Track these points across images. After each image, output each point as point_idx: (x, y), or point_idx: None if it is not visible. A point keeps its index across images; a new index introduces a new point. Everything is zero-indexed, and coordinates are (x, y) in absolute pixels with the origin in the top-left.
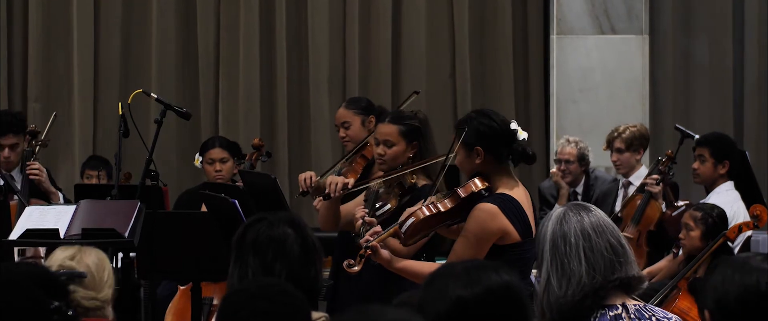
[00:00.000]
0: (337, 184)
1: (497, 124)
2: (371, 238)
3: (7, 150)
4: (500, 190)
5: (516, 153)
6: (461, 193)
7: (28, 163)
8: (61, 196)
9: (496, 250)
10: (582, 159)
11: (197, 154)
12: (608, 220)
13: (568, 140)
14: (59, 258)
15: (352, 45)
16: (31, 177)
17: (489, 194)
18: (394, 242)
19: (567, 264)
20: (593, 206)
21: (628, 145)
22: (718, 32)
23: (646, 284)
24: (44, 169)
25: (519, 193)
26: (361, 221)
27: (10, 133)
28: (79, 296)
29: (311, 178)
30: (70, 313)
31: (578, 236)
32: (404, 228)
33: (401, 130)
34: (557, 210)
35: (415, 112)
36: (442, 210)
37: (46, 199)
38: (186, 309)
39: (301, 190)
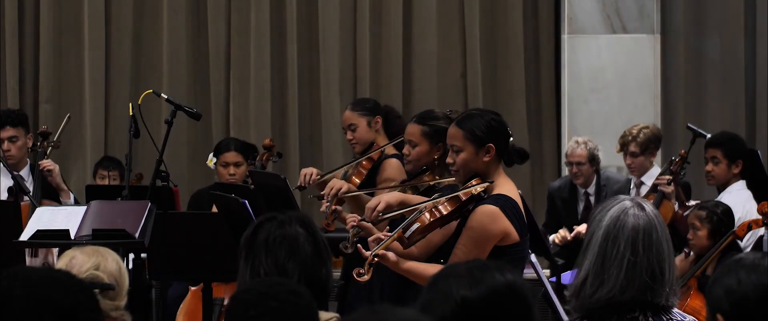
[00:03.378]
0: (332, 189)
1: (503, 121)
2: (375, 245)
3: (6, 143)
4: (497, 191)
5: (514, 151)
6: (462, 196)
7: (40, 163)
8: (71, 195)
9: (497, 252)
10: (593, 159)
11: (211, 155)
12: (663, 231)
13: (577, 142)
14: (85, 267)
15: (363, 45)
16: (45, 171)
17: (487, 196)
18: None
19: (608, 268)
20: (656, 212)
21: (644, 148)
22: (730, 31)
23: (674, 309)
24: (56, 165)
25: (514, 193)
26: (351, 223)
27: (8, 125)
28: (108, 308)
29: (312, 174)
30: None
31: (628, 246)
32: (408, 233)
33: (424, 131)
34: (625, 202)
35: (450, 111)
36: (444, 213)
37: (57, 194)
38: (197, 310)
39: (298, 184)
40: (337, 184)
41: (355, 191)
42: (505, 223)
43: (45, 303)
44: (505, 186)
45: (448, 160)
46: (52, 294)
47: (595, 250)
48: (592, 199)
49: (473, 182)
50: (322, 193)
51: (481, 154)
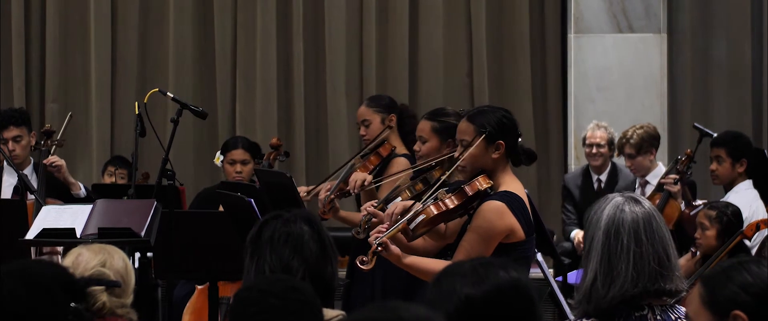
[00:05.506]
0: (356, 181)
1: (513, 118)
2: (380, 235)
3: (11, 143)
4: (503, 188)
5: (522, 151)
6: (468, 190)
7: (47, 160)
8: (81, 186)
9: (502, 249)
10: (611, 143)
11: (219, 153)
12: (660, 222)
13: (597, 125)
14: (91, 264)
15: (370, 45)
16: (52, 167)
17: (493, 192)
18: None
19: (616, 265)
20: (647, 201)
21: (638, 149)
22: (737, 31)
23: (683, 294)
24: (63, 161)
25: (521, 191)
26: (365, 212)
27: (12, 125)
28: (113, 305)
29: (322, 190)
30: (85, 315)
31: (631, 238)
32: (413, 225)
33: (434, 127)
34: (616, 198)
35: (462, 110)
36: (450, 207)
37: (66, 188)
38: (203, 309)
39: (320, 212)
40: (359, 176)
41: (375, 183)
42: (511, 220)
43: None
44: (512, 184)
45: (456, 154)
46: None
47: (599, 250)
48: (603, 186)
49: (479, 179)
50: (347, 188)
51: (491, 151)
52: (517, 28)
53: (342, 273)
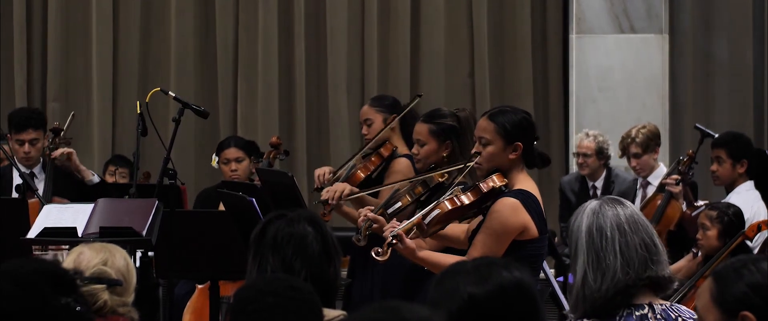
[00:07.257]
0: (334, 192)
1: (533, 122)
2: (395, 228)
3: (27, 145)
4: (518, 187)
5: (537, 154)
6: (483, 187)
7: (53, 153)
8: (93, 172)
9: (516, 246)
10: (600, 152)
11: (214, 155)
12: (642, 216)
13: (586, 134)
14: (92, 263)
15: (371, 45)
16: (62, 157)
17: (508, 190)
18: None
19: (603, 258)
20: (627, 201)
21: (645, 147)
22: (738, 31)
23: (675, 285)
24: (72, 149)
25: (535, 190)
26: (363, 217)
27: (30, 127)
28: (115, 304)
29: (324, 174)
30: (78, 308)
31: (614, 230)
32: (427, 219)
33: (431, 130)
34: (592, 203)
35: (457, 110)
36: (466, 203)
37: (76, 184)
38: (204, 308)
39: (315, 186)
40: (339, 187)
41: (358, 193)
42: (525, 217)
43: None
44: (526, 183)
45: (473, 150)
46: None
47: (585, 249)
48: (598, 192)
49: (493, 177)
50: (324, 198)
51: (508, 151)
52: (519, 28)
53: (343, 273)
